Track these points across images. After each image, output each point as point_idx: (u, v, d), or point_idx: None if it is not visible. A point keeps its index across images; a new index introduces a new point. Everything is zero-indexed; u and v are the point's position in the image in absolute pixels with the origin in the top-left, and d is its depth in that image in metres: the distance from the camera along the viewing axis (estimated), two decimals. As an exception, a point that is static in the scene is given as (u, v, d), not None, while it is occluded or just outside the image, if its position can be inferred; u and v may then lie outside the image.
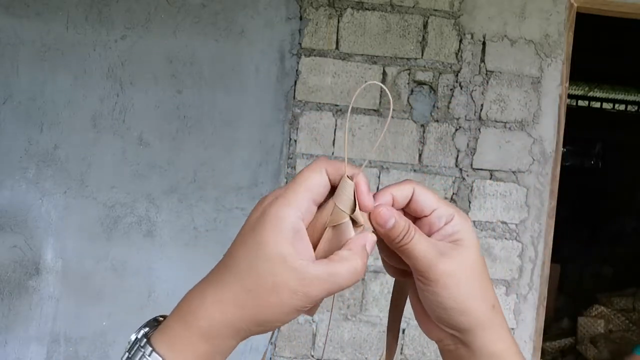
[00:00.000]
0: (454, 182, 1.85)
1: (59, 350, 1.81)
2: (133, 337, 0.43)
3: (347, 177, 0.44)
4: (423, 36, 1.84)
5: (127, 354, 0.42)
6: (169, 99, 1.81)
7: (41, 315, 1.80)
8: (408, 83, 1.84)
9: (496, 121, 1.85)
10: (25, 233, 1.80)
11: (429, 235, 0.46)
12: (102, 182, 1.81)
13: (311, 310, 0.45)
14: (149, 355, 0.41)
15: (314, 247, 0.43)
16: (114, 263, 1.81)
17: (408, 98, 1.84)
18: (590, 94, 7.46)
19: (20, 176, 1.79)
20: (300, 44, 1.82)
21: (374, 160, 1.83)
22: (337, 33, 1.82)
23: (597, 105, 7.87)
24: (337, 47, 1.82)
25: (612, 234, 6.80)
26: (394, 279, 0.52)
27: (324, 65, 1.82)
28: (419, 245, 0.44)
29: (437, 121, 1.84)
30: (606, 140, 7.99)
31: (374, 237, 0.44)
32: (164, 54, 1.81)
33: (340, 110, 1.82)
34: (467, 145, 1.85)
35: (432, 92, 1.84)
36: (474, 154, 1.85)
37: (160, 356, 0.41)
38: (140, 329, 0.43)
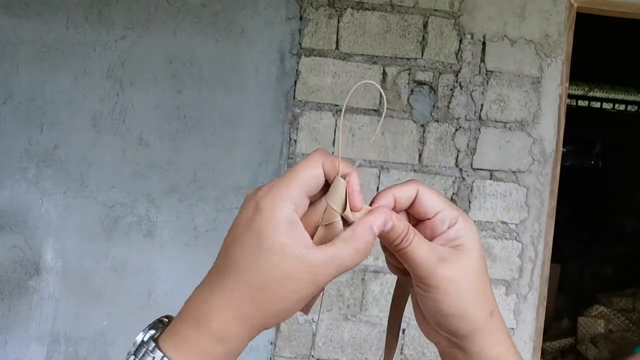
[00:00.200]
0: (454, 182, 1.85)
1: (59, 350, 1.81)
2: (139, 339, 0.42)
3: (341, 176, 0.43)
4: (423, 36, 1.84)
5: (133, 357, 0.41)
6: (169, 99, 1.81)
7: (41, 315, 1.80)
8: (408, 83, 1.84)
9: (496, 121, 1.85)
10: (25, 233, 1.80)
11: (431, 238, 0.45)
12: (102, 182, 1.81)
13: (306, 308, 0.45)
14: None
15: None
16: (114, 263, 1.81)
17: (408, 98, 1.84)
18: (590, 94, 7.46)
19: (20, 176, 1.79)
20: (300, 44, 1.82)
21: (374, 160, 1.83)
22: (337, 33, 1.82)
23: (597, 105, 7.87)
24: (337, 47, 1.82)
25: (612, 234, 6.80)
26: (395, 278, 0.52)
27: (324, 65, 1.82)
28: (418, 250, 0.43)
29: (437, 121, 1.84)
30: (606, 140, 7.99)
31: (382, 217, 0.43)
32: (164, 54, 1.81)
33: (341, 110, 1.82)
34: (467, 145, 1.85)
35: (432, 92, 1.84)
36: (474, 154, 1.85)
37: None
38: (145, 331, 0.43)
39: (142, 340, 0.42)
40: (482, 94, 1.85)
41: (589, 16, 1.95)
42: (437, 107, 1.84)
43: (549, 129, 1.86)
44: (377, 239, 0.46)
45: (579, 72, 3.22)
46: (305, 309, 0.45)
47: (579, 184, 6.81)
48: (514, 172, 1.86)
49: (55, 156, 1.80)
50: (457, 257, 0.44)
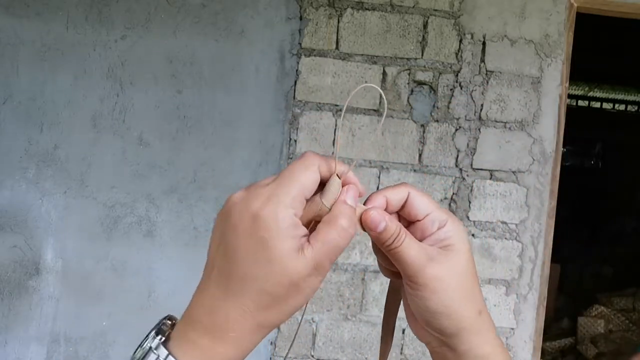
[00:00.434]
0: (454, 182, 1.85)
1: (59, 350, 1.81)
2: (147, 346, 0.42)
3: (337, 175, 0.44)
4: (423, 36, 1.84)
5: None
6: (169, 99, 1.81)
7: (41, 315, 1.80)
8: (408, 83, 1.84)
9: (496, 121, 1.85)
10: (25, 233, 1.79)
11: (421, 239, 0.46)
12: (102, 182, 1.81)
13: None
14: None
15: None
16: (114, 263, 1.81)
17: (408, 98, 1.84)
18: (590, 94, 7.46)
19: (20, 176, 1.79)
20: (300, 44, 1.82)
21: (374, 160, 1.83)
22: (337, 33, 1.82)
23: (597, 105, 7.87)
24: (337, 47, 1.82)
25: (612, 234, 6.80)
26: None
27: (324, 65, 1.82)
28: (409, 250, 0.45)
29: (437, 121, 1.84)
30: (606, 140, 7.99)
31: (352, 189, 0.45)
32: (164, 54, 1.81)
33: (341, 110, 1.82)
34: (467, 145, 1.85)
35: (432, 92, 1.84)
36: (474, 154, 1.85)
37: None
38: (152, 336, 0.43)
39: (150, 347, 0.42)
40: (482, 94, 1.85)
41: (589, 16, 1.95)
42: (437, 107, 1.84)
43: (549, 129, 1.86)
44: (371, 242, 0.47)
45: (579, 72, 3.21)
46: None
47: (579, 184, 6.81)
48: (514, 172, 1.86)
49: (55, 156, 1.80)
50: (446, 257, 0.45)
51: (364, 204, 0.46)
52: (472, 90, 1.84)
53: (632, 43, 4.51)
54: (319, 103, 1.82)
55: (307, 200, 0.44)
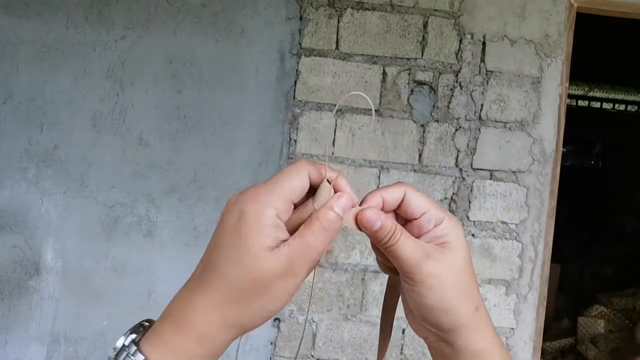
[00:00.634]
0: (454, 182, 1.85)
1: (59, 350, 1.81)
2: (119, 344, 0.43)
3: (327, 180, 0.45)
4: (423, 36, 1.84)
5: None
6: (169, 99, 1.81)
7: (41, 315, 1.80)
8: (408, 83, 1.84)
9: (496, 121, 1.85)
10: (25, 233, 1.79)
11: (418, 237, 0.47)
12: (102, 182, 1.81)
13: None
14: None
15: None
16: (114, 263, 1.81)
17: (408, 98, 1.84)
18: (590, 94, 7.46)
19: (20, 176, 1.79)
20: (300, 44, 1.82)
21: (374, 160, 1.83)
22: (337, 33, 1.82)
23: (597, 105, 7.87)
24: (337, 47, 1.82)
25: (612, 234, 6.80)
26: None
27: (324, 65, 1.82)
28: (405, 248, 0.45)
29: (437, 121, 1.84)
30: (606, 140, 7.99)
31: (345, 196, 0.45)
32: (164, 54, 1.81)
33: (341, 110, 1.82)
34: (467, 145, 1.85)
35: (432, 92, 1.84)
36: (474, 154, 1.85)
37: None
38: (126, 335, 0.43)
39: (123, 345, 0.42)
40: (482, 94, 1.85)
41: (589, 16, 1.95)
42: (437, 107, 1.84)
43: (549, 129, 1.86)
44: (370, 241, 0.47)
45: (579, 72, 3.21)
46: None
47: (579, 184, 6.81)
48: (514, 172, 1.86)
49: (55, 156, 1.80)
50: (443, 254, 0.46)
51: (360, 204, 0.47)
52: (472, 90, 1.84)
53: (632, 43, 4.51)
54: (319, 103, 1.82)
55: (298, 205, 0.45)
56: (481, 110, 1.85)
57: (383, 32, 1.83)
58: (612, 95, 7.57)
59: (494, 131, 1.85)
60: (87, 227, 1.81)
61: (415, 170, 1.84)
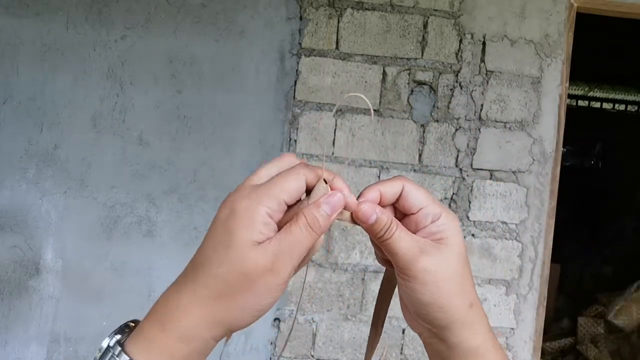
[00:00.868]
0: (454, 182, 1.85)
1: (59, 350, 1.81)
2: (104, 345, 0.42)
3: (324, 180, 0.45)
4: (423, 36, 1.84)
5: None
6: (169, 99, 1.81)
7: (41, 315, 1.80)
8: (408, 83, 1.84)
9: (496, 121, 1.85)
10: (25, 233, 1.79)
11: (415, 232, 0.47)
12: (102, 182, 1.81)
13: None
14: None
15: None
16: (114, 263, 1.81)
17: (408, 98, 1.84)
18: (590, 94, 7.46)
19: (20, 176, 1.79)
20: (300, 44, 1.82)
21: (374, 160, 1.83)
22: (337, 33, 1.82)
23: (597, 105, 7.87)
24: (337, 47, 1.82)
25: (612, 234, 6.80)
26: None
27: (324, 65, 1.82)
28: (400, 242, 0.45)
29: (437, 121, 1.84)
30: (606, 140, 7.99)
31: (337, 194, 0.45)
32: (164, 54, 1.81)
33: (341, 110, 1.82)
34: (467, 145, 1.85)
35: (432, 92, 1.84)
36: (474, 154, 1.85)
37: None
38: (111, 335, 0.43)
39: (109, 345, 0.42)
40: (482, 94, 1.85)
41: (589, 16, 1.95)
42: (437, 107, 1.84)
43: (549, 129, 1.86)
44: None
45: (579, 72, 3.21)
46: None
47: (579, 184, 6.80)
48: (514, 172, 1.86)
49: (55, 156, 1.80)
50: (438, 250, 0.46)
51: (358, 197, 0.47)
52: (472, 90, 1.84)
53: (632, 43, 4.51)
54: (319, 103, 1.82)
55: (292, 206, 0.45)
56: (481, 110, 1.85)
57: (383, 32, 1.83)
58: (612, 95, 7.57)
59: (494, 131, 1.85)
60: (87, 227, 1.81)
61: (415, 170, 1.84)
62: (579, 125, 5.39)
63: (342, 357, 1.84)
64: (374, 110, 1.83)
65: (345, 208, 0.46)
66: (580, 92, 7.38)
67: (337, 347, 1.84)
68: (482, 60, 1.85)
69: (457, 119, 1.84)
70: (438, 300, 0.45)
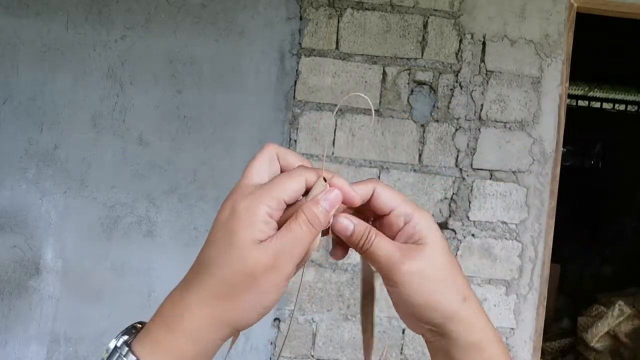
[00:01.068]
0: (454, 182, 1.85)
1: (59, 350, 1.81)
2: (112, 345, 0.43)
3: (323, 178, 0.46)
4: (423, 36, 1.84)
5: None
6: (169, 99, 1.81)
7: (41, 315, 1.80)
8: (408, 83, 1.84)
9: (496, 121, 1.85)
10: (25, 233, 1.79)
11: (392, 234, 0.47)
12: (102, 182, 1.81)
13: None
14: None
15: None
16: (114, 263, 1.81)
17: (408, 98, 1.84)
18: (590, 94, 7.46)
19: (20, 176, 1.79)
20: (300, 44, 1.82)
21: (374, 160, 1.83)
22: (337, 33, 1.82)
23: (597, 105, 7.87)
24: (337, 47, 1.82)
25: (612, 234, 6.80)
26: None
27: (324, 65, 1.82)
28: (379, 250, 0.46)
29: (437, 121, 1.84)
30: (606, 140, 7.98)
31: (332, 191, 0.45)
32: (164, 54, 1.81)
33: (341, 110, 1.82)
34: (467, 145, 1.85)
35: (432, 92, 1.84)
36: (474, 154, 1.85)
37: None
38: (119, 336, 0.44)
39: (116, 346, 0.43)
40: (482, 94, 1.85)
41: (589, 16, 1.95)
42: (437, 107, 1.84)
43: (549, 129, 1.86)
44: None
45: (579, 72, 3.21)
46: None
47: (579, 184, 6.80)
48: (514, 172, 1.86)
49: (55, 156, 1.80)
50: (419, 251, 0.46)
51: (329, 185, 0.47)
52: (472, 90, 1.84)
53: (632, 43, 4.51)
54: (319, 103, 1.82)
55: (291, 205, 0.45)
56: (481, 110, 1.85)
57: (383, 32, 1.83)
58: (612, 95, 7.57)
59: (494, 131, 1.85)
60: (87, 227, 1.81)
61: (415, 170, 1.84)
62: (579, 125, 5.38)
63: (342, 357, 1.84)
64: (375, 110, 1.83)
65: (346, 202, 0.46)
66: (580, 92, 7.37)
67: (337, 347, 1.84)
68: (482, 60, 1.85)
69: (457, 119, 1.84)
70: (429, 301, 0.46)
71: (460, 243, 1.84)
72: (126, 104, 1.80)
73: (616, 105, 7.84)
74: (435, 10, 1.84)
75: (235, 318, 0.43)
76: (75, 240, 1.81)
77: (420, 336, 0.50)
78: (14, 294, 1.80)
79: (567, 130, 1.97)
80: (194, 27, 1.81)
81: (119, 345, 0.43)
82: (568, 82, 1.89)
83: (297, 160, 0.47)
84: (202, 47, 1.81)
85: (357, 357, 1.84)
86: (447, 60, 1.84)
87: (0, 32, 1.77)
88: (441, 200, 1.84)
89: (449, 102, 1.84)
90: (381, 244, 0.46)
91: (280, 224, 0.44)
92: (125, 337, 0.44)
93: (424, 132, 1.84)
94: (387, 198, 0.47)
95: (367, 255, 0.46)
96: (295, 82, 1.82)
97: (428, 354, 0.51)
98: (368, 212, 0.49)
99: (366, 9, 1.82)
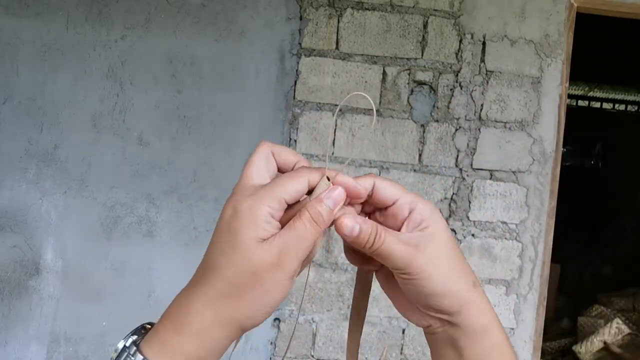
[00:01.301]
0: (454, 182, 1.85)
1: (59, 350, 1.81)
2: (120, 345, 0.43)
3: (327, 177, 0.46)
4: (423, 36, 1.84)
5: None
6: (169, 99, 1.81)
7: (41, 315, 1.80)
8: (408, 83, 1.84)
9: (496, 121, 1.85)
10: (25, 233, 1.80)
11: (396, 225, 0.47)
12: (102, 182, 1.81)
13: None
14: None
15: None
16: (113, 263, 1.81)
17: (408, 98, 1.84)
18: (590, 94, 7.46)
19: (20, 176, 1.79)
20: (300, 44, 1.82)
21: (374, 160, 1.83)
22: (337, 33, 1.82)
23: (597, 105, 7.87)
24: (337, 47, 1.82)
25: (612, 234, 6.80)
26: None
27: (324, 65, 1.82)
28: (393, 246, 0.45)
29: (437, 121, 1.84)
30: (606, 140, 7.98)
31: (338, 189, 0.45)
32: (164, 54, 1.81)
33: (341, 110, 1.82)
34: (467, 145, 1.85)
35: (432, 92, 1.84)
36: (474, 154, 1.85)
37: None
38: (127, 336, 0.44)
39: (125, 346, 0.43)
40: (482, 94, 1.85)
41: (589, 16, 1.95)
42: (437, 107, 1.84)
43: (549, 129, 1.86)
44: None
45: (579, 72, 3.21)
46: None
47: (579, 184, 6.80)
48: (514, 172, 1.86)
49: (55, 156, 1.80)
50: (429, 240, 0.46)
51: (333, 183, 0.47)
52: (472, 90, 1.84)
53: (632, 43, 4.51)
54: (319, 103, 1.82)
55: (293, 205, 0.45)
56: (481, 110, 1.85)
57: (383, 32, 1.83)
58: (612, 95, 7.57)
59: (494, 131, 1.85)
60: (87, 227, 1.81)
61: (415, 170, 1.84)
62: (579, 125, 5.38)
63: (342, 357, 1.84)
64: (375, 110, 1.83)
65: (353, 197, 0.46)
66: (580, 92, 7.38)
67: (337, 347, 1.83)
68: (482, 60, 1.85)
69: (457, 119, 1.84)
70: (445, 288, 0.46)
71: (460, 243, 1.84)
72: (126, 104, 1.80)
73: (616, 105, 7.84)
74: (435, 10, 1.84)
75: (241, 318, 0.43)
76: (75, 240, 1.81)
77: (421, 336, 0.50)
78: (14, 294, 1.80)
79: (567, 130, 1.97)
80: (194, 27, 1.81)
81: (127, 345, 0.43)
82: (568, 82, 1.89)
83: (292, 156, 0.48)
84: (202, 47, 1.81)
85: (357, 357, 1.84)
86: (447, 60, 1.84)
87: (0, 32, 1.77)
88: (441, 200, 1.84)
89: (449, 102, 1.84)
90: (393, 240, 0.45)
91: (284, 224, 0.44)
92: (134, 338, 0.44)
93: (424, 132, 1.84)
94: (389, 189, 0.47)
95: (378, 254, 0.45)
96: (295, 82, 1.82)
97: (428, 354, 0.51)
98: (369, 206, 0.49)
99: (366, 9, 1.82)
